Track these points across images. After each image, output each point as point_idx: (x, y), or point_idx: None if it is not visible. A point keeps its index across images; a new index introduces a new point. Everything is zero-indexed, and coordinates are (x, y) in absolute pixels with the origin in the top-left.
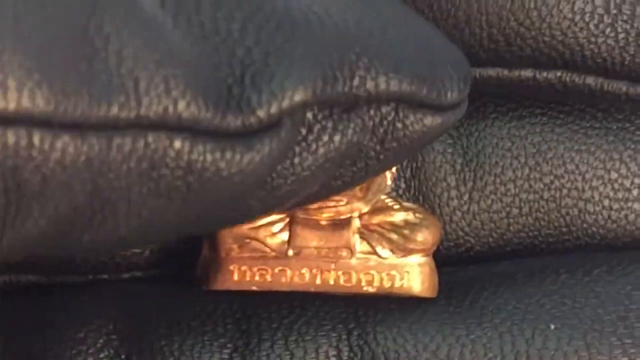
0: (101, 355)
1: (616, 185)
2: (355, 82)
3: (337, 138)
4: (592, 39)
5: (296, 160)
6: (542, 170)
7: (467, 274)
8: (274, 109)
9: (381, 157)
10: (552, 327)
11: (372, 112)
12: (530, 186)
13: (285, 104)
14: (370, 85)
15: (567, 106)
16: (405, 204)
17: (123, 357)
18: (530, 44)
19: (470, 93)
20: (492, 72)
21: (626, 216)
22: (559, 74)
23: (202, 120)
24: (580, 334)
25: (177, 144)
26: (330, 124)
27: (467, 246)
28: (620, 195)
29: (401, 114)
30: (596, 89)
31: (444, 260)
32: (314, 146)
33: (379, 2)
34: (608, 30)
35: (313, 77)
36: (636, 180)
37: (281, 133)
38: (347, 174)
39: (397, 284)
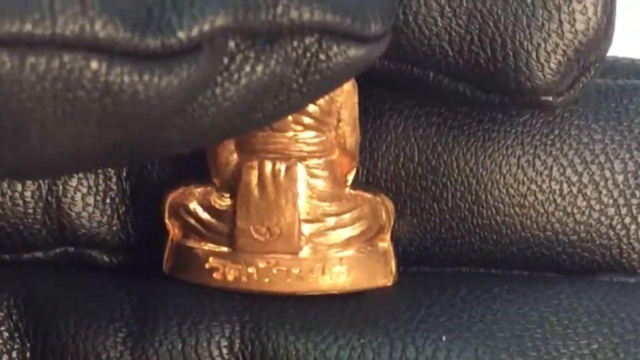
0: (2, 328)
1: (511, 190)
2: (279, 10)
3: (259, 69)
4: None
5: (217, 90)
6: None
7: None
8: (194, 32)
9: (304, 89)
10: (444, 338)
11: (295, 43)
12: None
13: (206, 27)
14: (293, 14)
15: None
16: None
17: (22, 331)
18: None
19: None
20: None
21: (521, 222)
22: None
23: (120, 40)
24: (472, 347)
25: (94, 64)
26: (252, 54)
27: None
28: (515, 200)
29: (324, 45)
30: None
31: None
32: (236, 76)
33: None
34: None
35: (234, 3)
36: (532, 187)
37: (200, 58)
38: (269, 107)
39: None
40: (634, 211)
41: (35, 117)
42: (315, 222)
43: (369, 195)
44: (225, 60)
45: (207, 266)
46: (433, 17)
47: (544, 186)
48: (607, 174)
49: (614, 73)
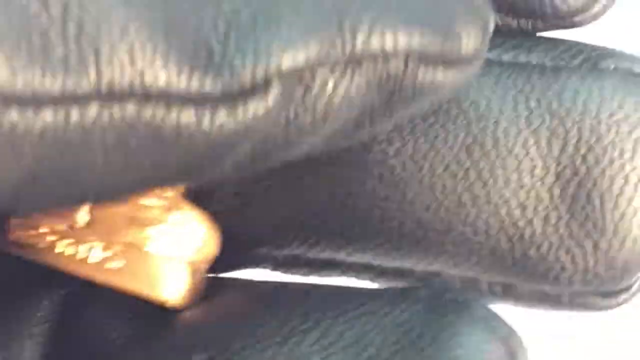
0: None
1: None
2: (359, 41)
3: (337, 98)
4: None
5: (291, 119)
6: None
7: None
8: (259, 74)
9: (387, 114)
10: None
11: (378, 67)
12: None
13: (273, 69)
14: (375, 43)
15: None
16: None
17: None
18: None
19: None
20: None
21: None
22: None
23: (175, 86)
24: None
25: (147, 112)
26: (330, 81)
27: None
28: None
29: (410, 69)
30: None
31: None
32: (310, 105)
33: None
34: None
35: (306, 41)
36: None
37: (269, 98)
38: (349, 132)
39: None
40: None
41: (84, 167)
42: None
43: None
44: (300, 90)
45: None
46: None
47: None
48: None
49: None
